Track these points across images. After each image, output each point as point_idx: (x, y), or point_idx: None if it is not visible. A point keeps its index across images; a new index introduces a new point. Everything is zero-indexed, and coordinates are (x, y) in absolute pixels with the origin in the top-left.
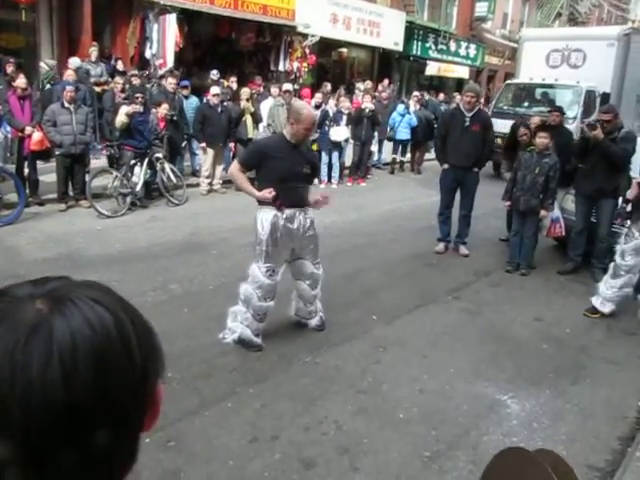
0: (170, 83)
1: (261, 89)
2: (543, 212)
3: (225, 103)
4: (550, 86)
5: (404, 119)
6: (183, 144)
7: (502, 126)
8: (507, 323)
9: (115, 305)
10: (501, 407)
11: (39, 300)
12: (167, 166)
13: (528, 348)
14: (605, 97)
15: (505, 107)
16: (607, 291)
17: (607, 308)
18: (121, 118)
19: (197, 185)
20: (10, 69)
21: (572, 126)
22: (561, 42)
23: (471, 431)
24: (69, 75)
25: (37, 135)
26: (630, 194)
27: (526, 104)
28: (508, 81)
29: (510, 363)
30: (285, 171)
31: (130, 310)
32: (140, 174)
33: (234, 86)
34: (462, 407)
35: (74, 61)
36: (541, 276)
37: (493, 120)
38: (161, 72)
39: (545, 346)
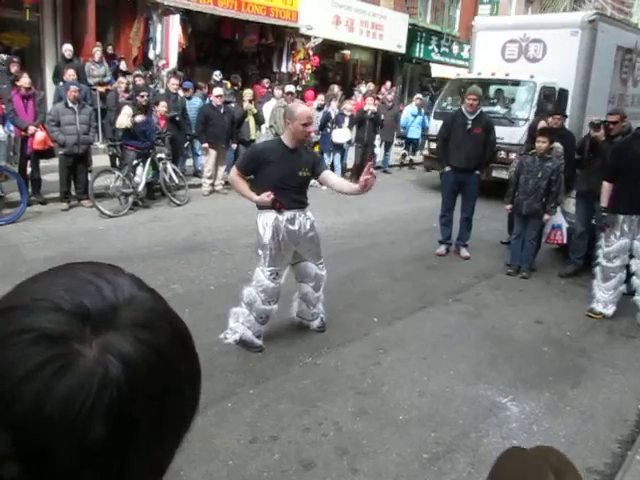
0: (172, 84)
1: (265, 91)
2: (546, 216)
3: (232, 104)
4: (501, 82)
5: (416, 119)
6: (185, 144)
7: None
8: (507, 326)
9: (172, 349)
10: (501, 409)
11: (95, 345)
12: (169, 166)
13: (528, 351)
14: (563, 95)
15: (449, 107)
16: (604, 295)
17: (610, 310)
18: (123, 120)
19: (199, 186)
20: (14, 68)
21: (522, 129)
22: (518, 31)
23: (470, 433)
24: (70, 75)
25: (40, 134)
26: (603, 201)
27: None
28: (454, 77)
29: (510, 366)
30: (280, 175)
31: (185, 347)
32: (142, 174)
33: (239, 83)
34: (462, 409)
35: (67, 47)
36: (542, 279)
37: (434, 123)
38: (135, 72)
39: (545, 349)
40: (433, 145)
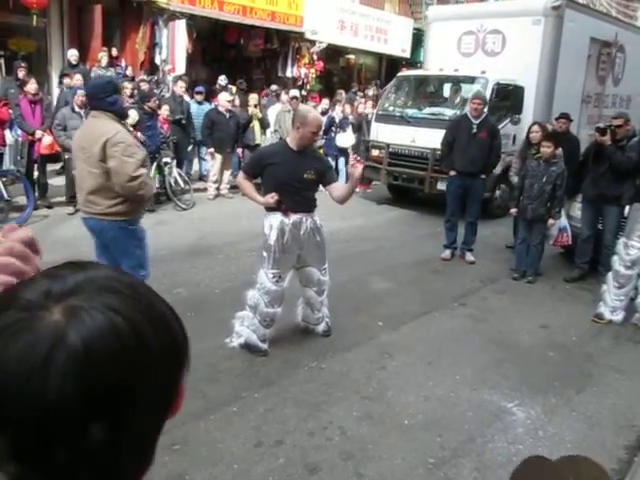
0: (180, 87)
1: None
2: (551, 220)
3: (231, 108)
4: (449, 79)
5: None
6: (189, 148)
7: (386, 134)
8: (513, 330)
9: (132, 310)
10: (506, 414)
11: (56, 309)
12: (174, 170)
13: (534, 355)
14: (517, 93)
15: (391, 108)
16: (616, 300)
17: (619, 316)
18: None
19: (205, 190)
20: (22, 73)
21: None
22: (475, 21)
23: (476, 438)
24: (77, 80)
25: (47, 139)
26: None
27: (422, 104)
28: (400, 73)
29: (515, 370)
30: (284, 176)
31: (150, 310)
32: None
33: (242, 86)
34: (467, 414)
35: (72, 52)
36: (547, 283)
37: (375, 126)
38: (139, 77)
39: (551, 354)
40: (375, 152)
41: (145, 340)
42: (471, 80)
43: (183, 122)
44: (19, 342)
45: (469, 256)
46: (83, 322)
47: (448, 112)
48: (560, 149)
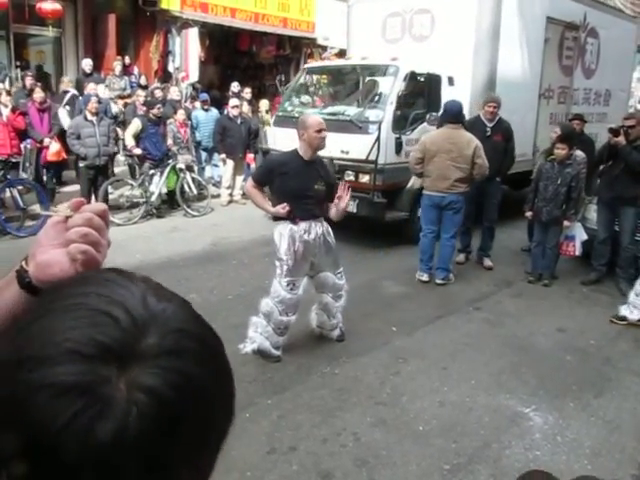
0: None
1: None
2: (566, 222)
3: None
4: (356, 70)
5: None
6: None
7: (285, 141)
8: (529, 334)
9: (192, 365)
10: (523, 420)
11: (122, 383)
12: (188, 176)
13: (551, 359)
14: (432, 83)
15: (291, 108)
16: (637, 300)
17: (635, 315)
18: (130, 139)
19: (217, 196)
20: (29, 82)
21: (373, 137)
22: (400, 0)
23: (492, 444)
24: (92, 89)
25: (55, 146)
26: None
27: (324, 103)
28: (306, 65)
29: (532, 375)
30: (296, 187)
31: (210, 360)
32: (159, 184)
33: (247, 97)
34: (483, 419)
35: (86, 62)
36: (564, 287)
37: (273, 132)
38: (153, 85)
39: (568, 357)
40: None
41: (212, 401)
42: (380, 70)
43: None
44: (100, 429)
45: (487, 261)
46: (154, 395)
47: (351, 110)
48: (580, 151)
